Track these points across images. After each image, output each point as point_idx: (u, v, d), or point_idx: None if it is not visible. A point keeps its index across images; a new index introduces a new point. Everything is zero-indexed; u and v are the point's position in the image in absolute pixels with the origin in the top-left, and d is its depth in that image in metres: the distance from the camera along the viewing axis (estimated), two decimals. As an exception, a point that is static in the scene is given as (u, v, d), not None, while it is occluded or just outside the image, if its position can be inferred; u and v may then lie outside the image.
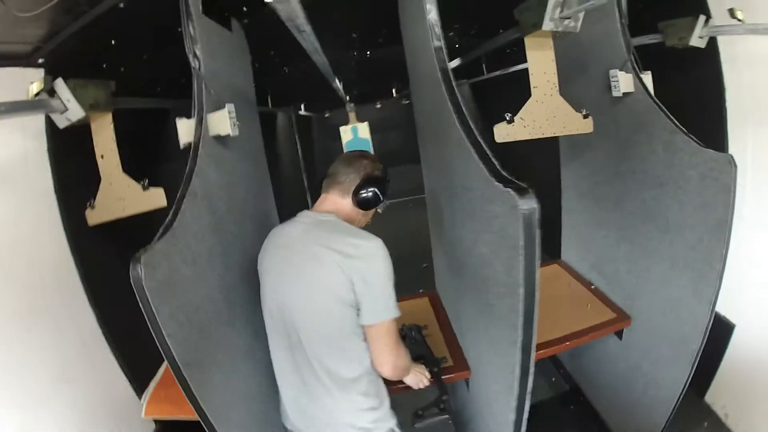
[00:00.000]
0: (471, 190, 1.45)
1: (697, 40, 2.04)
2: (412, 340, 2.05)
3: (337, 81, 3.91)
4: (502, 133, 1.96)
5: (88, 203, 1.93)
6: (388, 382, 1.68)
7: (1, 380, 1.61)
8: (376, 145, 7.12)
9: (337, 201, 1.65)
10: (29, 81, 1.74)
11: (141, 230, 1.41)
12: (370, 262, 1.43)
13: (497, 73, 4.03)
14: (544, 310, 2.31)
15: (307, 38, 1.58)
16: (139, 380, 2.19)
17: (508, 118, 1.96)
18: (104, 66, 2.18)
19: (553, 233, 2.93)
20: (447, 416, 1.79)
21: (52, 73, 1.84)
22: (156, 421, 2.21)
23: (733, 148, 2.20)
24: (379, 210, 1.77)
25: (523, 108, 1.99)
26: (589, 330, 2.21)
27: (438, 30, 1.62)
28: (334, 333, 1.48)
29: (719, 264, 1.73)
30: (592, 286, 2.56)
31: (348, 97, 7.21)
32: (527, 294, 1.17)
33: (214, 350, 1.47)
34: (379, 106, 7.39)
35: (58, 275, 1.96)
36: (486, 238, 1.41)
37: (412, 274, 3.12)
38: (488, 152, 1.29)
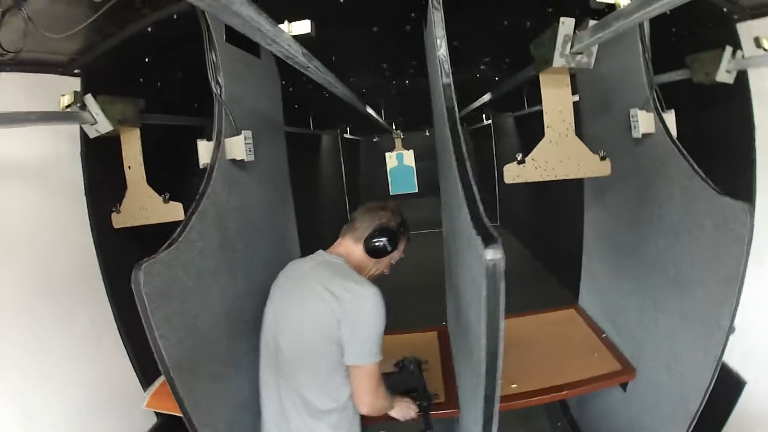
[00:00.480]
0: (461, 234, 1.44)
1: (725, 75, 1.95)
2: (410, 372, 2.03)
3: (369, 108, 3.97)
4: (512, 173, 1.92)
5: (114, 208, 2.14)
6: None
7: (14, 356, 1.75)
8: (420, 172, 7.22)
9: (349, 246, 1.75)
10: (65, 89, 1.91)
11: (165, 236, 1.49)
12: (360, 307, 1.50)
13: (537, 108, 4.03)
14: (553, 355, 2.38)
15: (315, 74, 1.62)
16: (146, 374, 2.28)
17: (518, 158, 1.91)
18: (140, 80, 2.37)
19: (576, 276, 2.88)
20: None
21: (87, 83, 2.05)
22: (158, 415, 2.27)
23: (761, 192, 2.09)
24: (392, 262, 1.85)
25: (535, 148, 1.93)
26: (593, 380, 2.15)
27: (447, 66, 1.62)
28: (317, 366, 1.56)
29: (727, 321, 1.63)
30: (603, 335, 2.48)
31: (394, 124, 7.33)
32: (489, 346, 1.14)
33: (208, 358, 1.54)
34: (427, 134, 7.43)
35: (81, 269, 2.11)
36: (467, 283, 1.40)
37: (431, 306, 3.12)
38: (476, 195, 1.27)
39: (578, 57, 1.67)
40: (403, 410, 1.85)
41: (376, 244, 1.71)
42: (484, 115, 8.29)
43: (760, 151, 2.09)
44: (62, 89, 1.91)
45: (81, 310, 2.05)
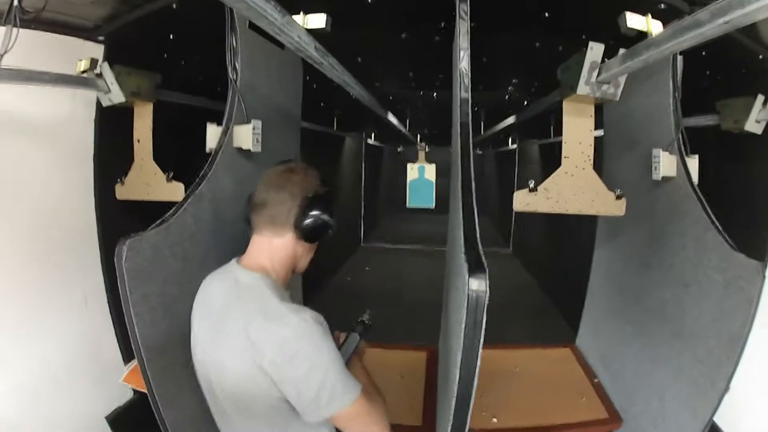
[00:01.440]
0: (454, 255, 1.37)
1: (754, 124, 1.85)
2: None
3: (391, 116, 3.94)
4: (522, 201, 1.84)
5: (119, 179, 2.15)
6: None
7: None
8: (440, 189, 7.18)
9: (272, 245, 1.29)
10: (87, 53, 1.93)
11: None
12: (293, 357, 1.09)
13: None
14: (540, 393, 2.28)
15: (330, 71, 1.55)
16: (129, 349, 2.25)
17: (530, 186, 1.82)
18: (163, 55, 2.37)
19: (578, 318, 2.79)
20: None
21: (109, 51, 2.06)
22: (135, 392, 2.25)
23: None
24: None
25: (549, 178, 1.85)
26: (577, 425, 2.06)
27: (467, 81, 1.53)
28: (267, 419, 1.21)
29: (723, 383, 1.55)
30: (596, 379, 2.39)
31: (419, 136, 7.30)
32: (462, 379, 1.07)
33: (182, 344, 1.44)
34: (452, 146, 7.37)
35: (80, 234, 2.12)
36: (453, 308, 1.33)
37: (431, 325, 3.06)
38: (475, 217, 1.20)
39: (604, 87, 1.61)
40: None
41: (312, 222, 1.27)
42: (510, 139, 8.22)
43: None
44: (85, 53, 1.93)
45: (76, 276, 2.07)
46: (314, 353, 1.11)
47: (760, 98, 1.83)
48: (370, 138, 8.77)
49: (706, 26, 0.90)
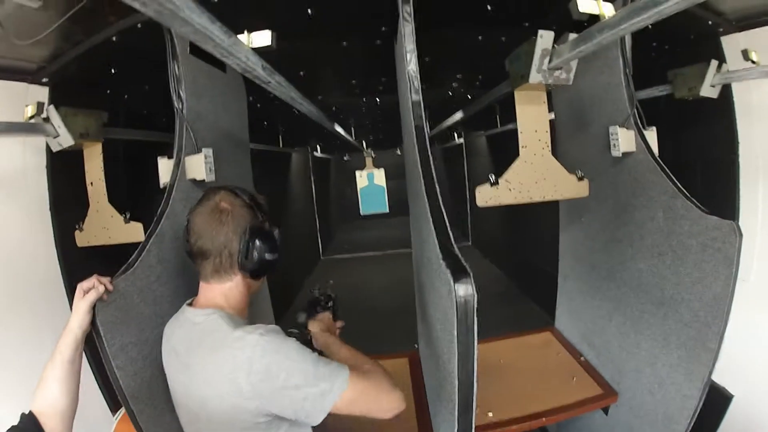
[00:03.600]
0: (430, 260, 1.33)
1: (709, 89, 1.92)
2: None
3: (338, 127, 3.89)
4: (485, 196, 1.83)
5: (78, 225, 2.09)
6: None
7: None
8: (391, 192, 7.17)
9: (222, 289, 1.24)
10: (33, 97, 1.86)
11: (131, 252, 1.44)
12: (267, 374, 1.06)
13: (510, 126, 4.00)
14: (530, 380, 2.29)
15: (277, 89, 1.49)
16: (114, 397, 2.14)
17: (492, 180, 1.81)
18: (107, 91, 2.30)
19: (552, 298, 2.82)
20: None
21: (54, 92, 1.98)
22: None
23: (744, 207, 2.08)
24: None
25: (508, 169, 1.85)
26: (573, 405, 2.07)
27: (417, 83, 1.51)
28: None
29: (715, 343, 1.59)
30: (582, 358, 2.42)
31: (365, 143, 7.28)
32: (462, 385, 1.05)
33: (167, 390, 1.39)
34: (399, 153, 7.38)
35: (46, 284, 2.01)
36: (438, 316, 1.29)
37: (402, 329, 3.01)
38: (446, 223, 1.18)
39: (556, 73, 1.62)
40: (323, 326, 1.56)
41: (258, 261, 1.23)
42: (455, 134, 8.31)
43: (744, 166, 2.08)
44: (31, 97, 1.87)
45: (45, 328, 1.91)
46: (283, 360, 1.08)
47: (714, 63, 1.89)
48: (316, 150, 8.69)
49: (665, 4, 0.90)
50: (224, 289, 1.25)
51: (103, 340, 1.23)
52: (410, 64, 1.50)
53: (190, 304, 1.27)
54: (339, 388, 1.10)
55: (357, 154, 8.08)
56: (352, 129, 5.85)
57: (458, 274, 0.97)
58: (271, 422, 1.12)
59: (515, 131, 1.88)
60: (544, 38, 1.55)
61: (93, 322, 1.22)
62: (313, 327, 1.55)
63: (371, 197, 7.30)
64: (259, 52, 1.26)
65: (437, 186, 1.28)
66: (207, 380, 1.11)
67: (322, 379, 1.09)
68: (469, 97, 3.91)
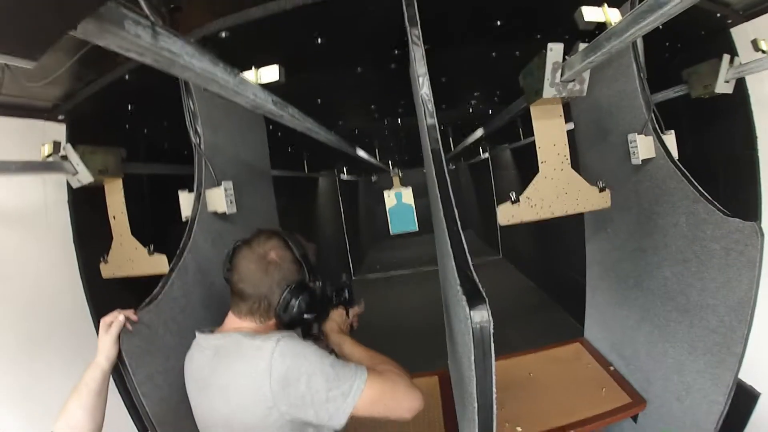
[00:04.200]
0: (450, 284, 1.32)
1: (723, 85, 1.87)
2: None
3: (360, 151, 3.91)
4: (506, 214, 1.80)
5: (102, 258, 2.12)
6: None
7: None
8: (420, 210, 7.14)
9: (253, 327, 1.26)
10: (51, 134, 1.91)
11: (157, 283, 1.47)
12: (285, 378, 1.08)
13: (532, 138, 3.95)
14: (559, 393, 2.25)
15: (290, 121, 1.50)
16: (142, 422, 2.17)
17: (512, 198, 1.79)
18: (126, 126, 2.36)
19: (583, 306, 2.76)
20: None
21: (71, 129, 2.04)
22: None
23: (766, 203, 2.01)
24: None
25: (529, 186, 1.82)
26: (603, 415, 2.06)
27: (431, 106, 1.46)
28: None
29: (740, 347, 1.56)
30: (611, 368, 2.39)
31: (391, 163, 7.31)
32: (481, 409, 1.02)
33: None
34: (425, 171, 7.37)
35: (73, 315, 2.05)
36: (458, 339, 1.27)
37: (432, 348, 2.99)
38: (465, 246, 1.16)
39: (570, 85, 1.60)
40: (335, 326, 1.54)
41: (295, 314, 1.25)
42: (480, 149, 8.28)
43: (764, 161, 2.01)
44: (48, 134, 1.91)
45: (75, 359, 1.94)
46: (302, 364, 1.10)
47: (726, 57, 1.85)
48: (343, 173, 8.77)
49: (669, 5, 0.88)
50: (254, 326, 1.26)
51: (129, 368, 1.25)
52: (423, 87, 1.47)
53: (213, 332, 1.28)
54: (358, 388, 1.11)
55: (384, 174, 8.11)
56: (377, 150, 5.88)
57: (474, 300, 0.95)
58: (295, 429, 1.13)
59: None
60: (554, 51, 1.53)
61: (119, 352, 1.24)
62: (327, 327, 1.55)
63: (400, 216, 7.27)
64: (270, 87, 1.28)
65: (455, 210, 1.25)
66: (231, 396, 1.13)
67: (343, 381, 1.11)
68: (490, 112, 3.89)
